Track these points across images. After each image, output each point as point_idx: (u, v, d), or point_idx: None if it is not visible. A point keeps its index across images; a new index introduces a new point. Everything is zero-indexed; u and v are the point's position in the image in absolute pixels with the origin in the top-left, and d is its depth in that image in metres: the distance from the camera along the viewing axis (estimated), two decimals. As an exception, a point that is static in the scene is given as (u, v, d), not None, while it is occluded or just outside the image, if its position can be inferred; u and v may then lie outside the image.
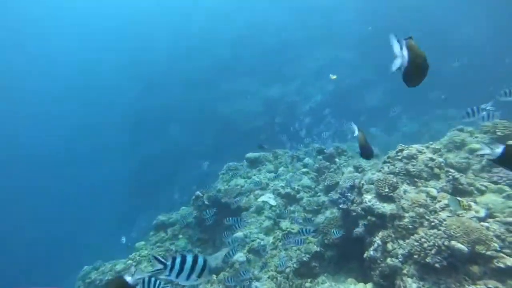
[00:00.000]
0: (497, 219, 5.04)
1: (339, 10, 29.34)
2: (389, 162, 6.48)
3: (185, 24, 37.06)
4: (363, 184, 6.47)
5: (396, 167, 6.27)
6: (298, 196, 9.27)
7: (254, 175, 10.52)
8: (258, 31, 32.08)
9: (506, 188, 5.64)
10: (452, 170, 6.13)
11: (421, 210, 5.38)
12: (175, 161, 23.86)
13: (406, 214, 5.47)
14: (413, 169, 6.12)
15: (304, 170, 10.03)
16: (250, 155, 11.19)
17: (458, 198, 5.24)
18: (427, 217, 5.33)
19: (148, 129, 26.88)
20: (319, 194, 9.31)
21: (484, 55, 19.38)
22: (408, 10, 24.80)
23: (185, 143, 25.19)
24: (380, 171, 6.44)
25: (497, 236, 4.76)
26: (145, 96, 30.57)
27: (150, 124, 26.97)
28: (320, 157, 10.20)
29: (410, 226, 5.33)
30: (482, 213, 5.22)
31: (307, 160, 10.48)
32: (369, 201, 5.95)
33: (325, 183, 9.11)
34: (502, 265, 4.41)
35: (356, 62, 24.97)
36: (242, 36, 32.19)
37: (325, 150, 10.55)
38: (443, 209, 5.38)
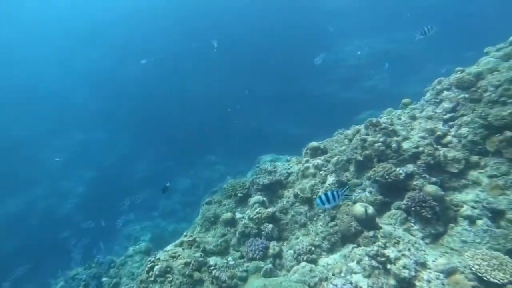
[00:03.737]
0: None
1: (68, 97, 26.82)
2: (142, 293, 4.93)
3: None
4: None
5: (152, 297, 4.80)
6: None
7: None
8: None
9: (261, 264, 5.36)
10: (213, 264, 5.34)
11: None
12: None
13: None
14: (172, 289, 4.85)
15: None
16: None
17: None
18: None
19: None
20: None
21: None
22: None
23: None
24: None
25: None
26: None
27: None
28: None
29: None
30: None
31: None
32: None
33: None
34: None
35: (106, 140, 23.22)
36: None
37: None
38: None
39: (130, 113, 23.88)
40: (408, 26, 23.34)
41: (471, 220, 4.78)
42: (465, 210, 4.89)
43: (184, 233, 6.28)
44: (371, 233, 4.93)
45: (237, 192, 7.09)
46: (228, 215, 6.61)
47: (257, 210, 6.19)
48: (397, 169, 5.28)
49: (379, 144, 5.50)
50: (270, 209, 6.16)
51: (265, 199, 6.56)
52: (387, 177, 5.11)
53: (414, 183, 5.22)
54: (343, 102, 19.63)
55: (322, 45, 22.52)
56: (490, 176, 5.10)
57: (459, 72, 6.27)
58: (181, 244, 5.87)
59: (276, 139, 16.85)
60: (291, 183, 6.87)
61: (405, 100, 7.14)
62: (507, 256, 4.02)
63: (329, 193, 4.21)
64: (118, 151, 23.13)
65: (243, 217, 6.47)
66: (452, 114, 5.94)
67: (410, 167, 5.34)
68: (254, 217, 6.08)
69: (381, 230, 4.88)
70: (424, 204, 4.81)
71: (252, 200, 6.57)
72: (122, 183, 20.15)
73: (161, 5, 28.32)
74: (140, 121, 23.22)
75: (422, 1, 24.76)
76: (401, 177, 5.16)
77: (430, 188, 4.91)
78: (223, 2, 26.91)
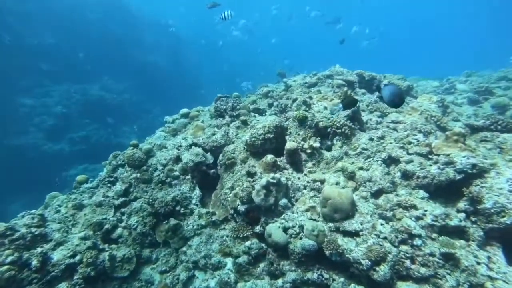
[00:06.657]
0: None
1: None
2: None
3: None
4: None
5: None
6: None
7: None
8: None
9: None
10: None
11: None
12: None
13: None
14: None
15: None
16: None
17: None
18: None
19: None
20: None
21: None
22: None
23: None
24: None
25: None
26: None
27: None
28: None
29: None
30: None
31: None
32: None
33: None
34: None
35: None
36: None
37: None
38: None
39: None
40: (124, 76, 23.45)
41: None
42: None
43: None
44: None
45: None
46: None
47: None
48: (37, 301, 3.58)
49: (5, 268, 3.60)
50: None
51: None
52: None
53: (67, 312, 3.71)
54: (49, 155, 16.12)
55: (21, 85, 17.96)
56: (162, 272, 4.47)
57: (131, 148, 5.62)
58: None
59: None
60: None
61: (79, 178, 5.70)
62: None
63: None
64: None
65: None
66: (124, 198, 5.08)
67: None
68: None
69: None
70: None
71: None
72: None
73: None
74: None
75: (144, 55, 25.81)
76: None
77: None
78: None
